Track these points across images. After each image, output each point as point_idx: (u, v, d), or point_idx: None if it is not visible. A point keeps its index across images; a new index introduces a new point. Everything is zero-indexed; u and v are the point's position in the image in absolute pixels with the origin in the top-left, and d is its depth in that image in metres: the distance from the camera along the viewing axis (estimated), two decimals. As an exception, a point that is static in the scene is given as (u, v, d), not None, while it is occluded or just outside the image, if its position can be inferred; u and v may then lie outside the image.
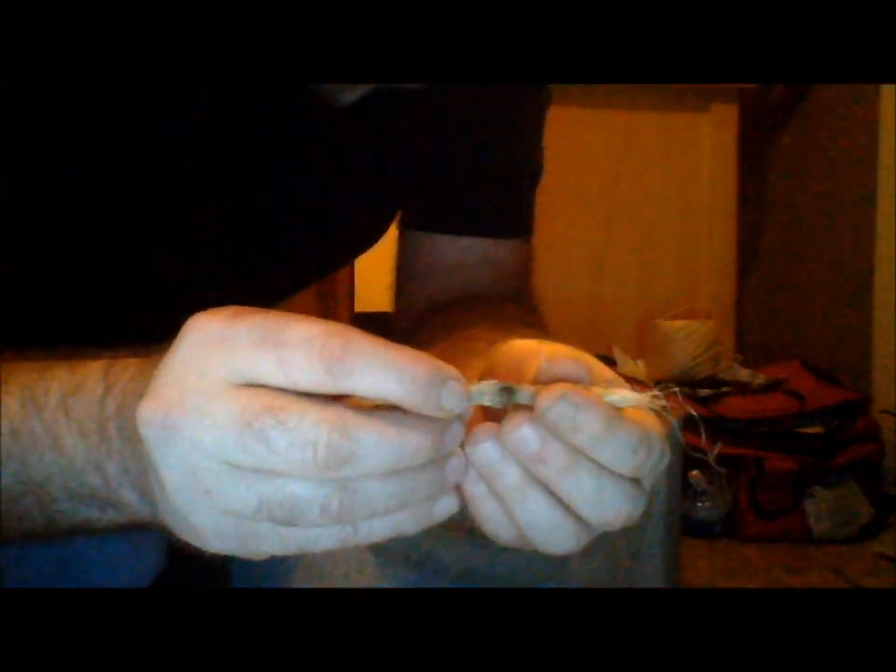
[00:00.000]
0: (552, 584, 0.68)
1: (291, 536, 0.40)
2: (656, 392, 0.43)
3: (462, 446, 0.42)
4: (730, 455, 2.07)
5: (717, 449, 2.02)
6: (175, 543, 0.43)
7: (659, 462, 0.43)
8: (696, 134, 2.52)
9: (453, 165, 0.77)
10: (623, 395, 0.43)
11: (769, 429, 2.11)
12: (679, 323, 2.34)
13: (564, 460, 0.41)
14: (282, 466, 0.38)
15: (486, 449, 0.42)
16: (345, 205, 0.75)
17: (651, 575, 0.78)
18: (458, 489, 0.42)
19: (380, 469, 0.39)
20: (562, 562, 0.69)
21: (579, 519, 0.43)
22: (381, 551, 0.70)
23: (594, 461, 0.42)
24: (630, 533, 0.78)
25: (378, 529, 0.41)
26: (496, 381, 0.43)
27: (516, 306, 0.77)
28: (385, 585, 0.69)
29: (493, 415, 0.44)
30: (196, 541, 0.41)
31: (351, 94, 0.67)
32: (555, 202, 2.37)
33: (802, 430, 2.11)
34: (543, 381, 0.43)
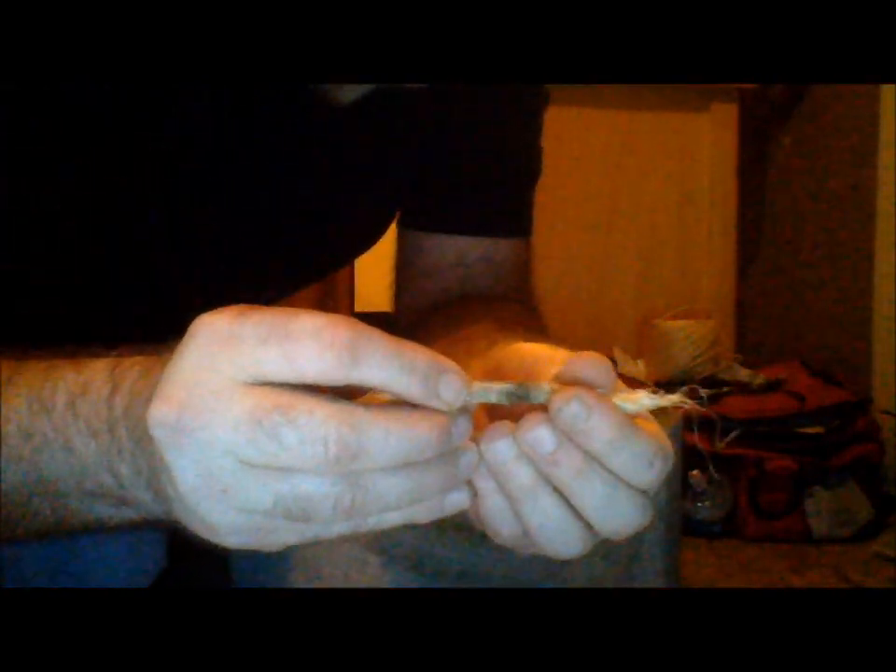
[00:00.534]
0: (552, 584, 0.68)
1: (306, 528, 0.40)
2: (677, 397, 0.43)
3: (476, 442, 0.42)
4: (730, 455, 2.08)
5: (728, 439, 2.02)
6: (175, 543, 0.43)
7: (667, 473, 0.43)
8: (696, 134, 2.52)
9: (452, 165, 0.77)
10: (640, 401, 0.43)
11: (769, 429, 2.11)
12: (679, 323, 2.34)
13: (578, 464, 0.42)
14: (294, 462, 0.38)
15: (501, 447, 0.42)
16: (345, 205, 0.75)
17: (650, 575, 0.78)
18: (469, 483, 0.43)
19: (389, 462, 0.39)
20: (562, 562, 0.69)
21: (587, 524, 0.43)
22: (381, 551, 0.70)
23: (608, 469, 0.42)
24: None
25: (390, 519, 0.41)
26: (511, 382, 0.43)
27: (516, 306, 0.77)
28: (385, 585, 0.69)
29: (498, 416, 0.44)
30: (212, 538, 0.41)
31: (351, 94, 0.67)
32: (555, 202, 2.37)
33: (802, 430, 2.11)
34: (563, 381, 0.43)
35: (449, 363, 0.40)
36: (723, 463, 2.07)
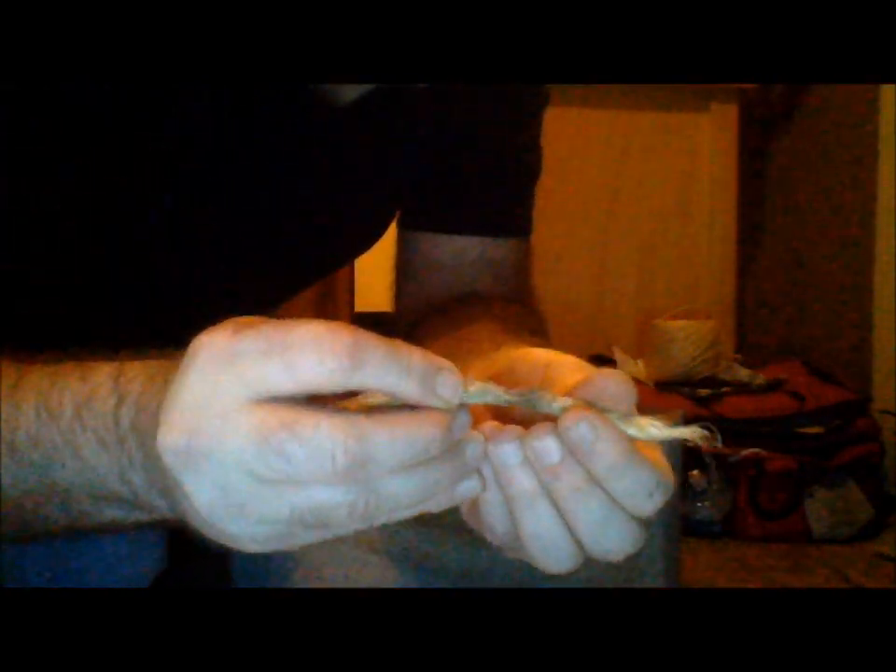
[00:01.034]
0: (552, 584, 0.68)
1: (324, 532, 0.41)
2: (688, 431, 0.43)
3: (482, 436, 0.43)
4: (730, 455, 2.07)
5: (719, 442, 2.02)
6: (175, 543, 0.43)
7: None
8: (696, 134, 2.52)
9: (452, 165, 0.77)
10: (647, 429, 0.43)
11: (769, 429, 2.11)
12: (679, 323, 2.34)
13: (578, 482, 0.42)
14: (304, 475, 0.39)
15: (507, 450, 0.42)
16: (345, 205, 0.75)
17: (650, 575, 0.78)
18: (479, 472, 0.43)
19: (397, 465, 0.40)
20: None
21: (578, 542, 0.44)
22: (381, 551, 0.70)
23: (607, 493, 0.42)
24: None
25: (403, 514, 0.42)
26: (527, 388, 0.43)
27: (516, 306, 0.77)
28: (385, 585, 0.69)
29: (508, 419, 0.44)
30: (233, 546, 0.42)
31: (351, 94, 0.67)
32: (555, 202, 2.37)
33: (802, 430, 2.11)
34: (582, 395, 0.44)
35: (444, 362, 0.41)
36: (723, 463, 2.07)
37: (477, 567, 0.69)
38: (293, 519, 0.39)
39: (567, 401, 0.43)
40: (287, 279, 0.79)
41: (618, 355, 2.34)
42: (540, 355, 0.49)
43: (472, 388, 0.42)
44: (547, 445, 0.42)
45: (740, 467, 2.07)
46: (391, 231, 0.82)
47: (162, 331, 0.46)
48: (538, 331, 0.71)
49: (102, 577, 0.67)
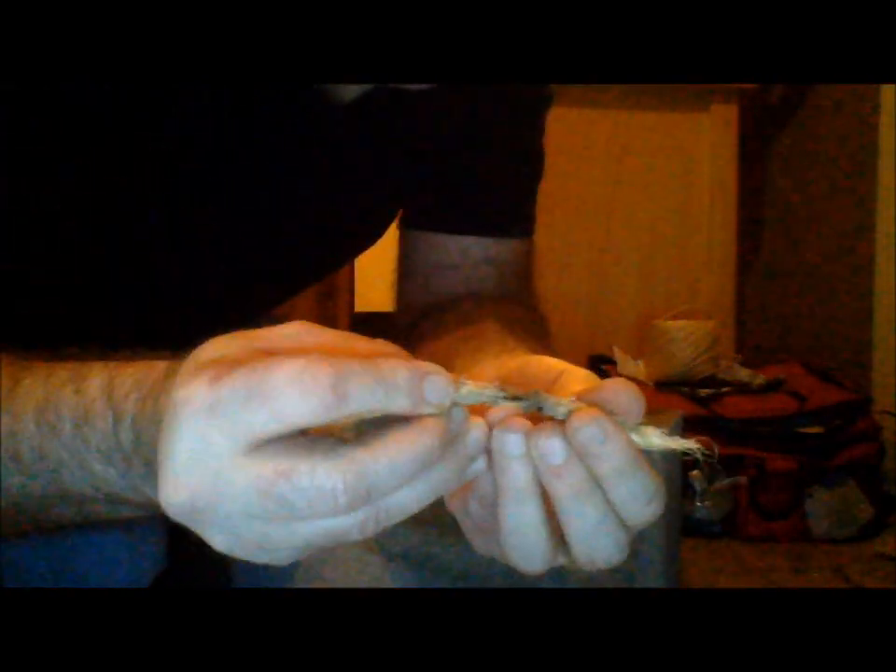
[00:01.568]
0: (552, 584, 0.68)
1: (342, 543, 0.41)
2: (690, 443, 0.43)
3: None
4: (730, 455, 2.07)
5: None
6: (175, 543, 0.43)
7: None
8: (696, 134, 2.52)
9: (453, 164, 0.77)
10: (650, 438, 0.43)
11: (769, 429, 2.11)
12: (679, 323, 2.34)
13: (579, 484, 0.42)
14: (310, 515, 0.39)
15: (511, 440, 0.42)
16: (345, 205, 0.75)
17: (651, 575, 0.78)
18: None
19: (401, 483, 0.39)
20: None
21: (556, 545, 0.44)
22: (381, 551, 0.70)
23: (606, 499, 0.43)
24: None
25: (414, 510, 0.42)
26: (534, 390, 0.43)
27: (518, 306, 0.77)
28: (385, 585, 0.69)
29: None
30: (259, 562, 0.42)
31: (351, 93, 0.67)
32: (555, 202, 2.37)
33: (802, 430, 2.11)
34: (588, 401, 0.44)
35: (430, 367, 0.40)
36: (723, 463, 2.07)
37: (477, 567, 0.69)
38: (309, 545, 0.40)
39: (572, 404, 0.43)
40: (288, 279, 0.79)
41: (618, 355, 2.34)
42: (555, 363, 0.48)
43: (465, 389, 0.42)
44: (553, 444, 0.42)
45: (740, 467, 2.07)
46: (392, 231, 0.82)
47: (162, 331, 0.46)
48: (540, 332, 0.71)
49: (102, 577, 0.67)
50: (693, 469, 2.04)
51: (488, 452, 0.43)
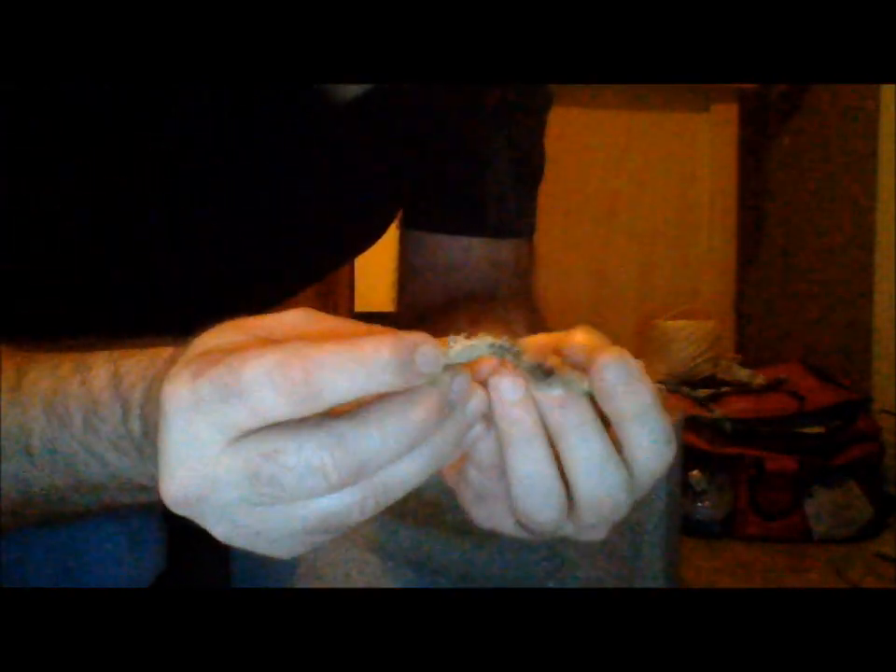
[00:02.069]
0: (552, 584, 0.68)
1: (345, 528, 0.40)
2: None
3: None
4: (730, 455, 2.08)
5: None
6: (175, 543, 0.43)
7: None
8: (696, 134, 2.52)
9: (454, 164, 0.77)
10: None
11: (769, 429, 2.11)
12: (679, 323, 2.34)
13: (583, 416, 0.41)
14: (303, 494, 0.38)
15: (508, 386, 0.41)
16: (345, 205, 0.75)
17: (650, 575, 0.78)
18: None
19: (396, 456, 0.39)
20: (562, 562, 0.69)
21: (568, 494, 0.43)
22: (381, 551, 0.70)
23: (606, 437, 0.42)
24: (630, 533, 0.78)
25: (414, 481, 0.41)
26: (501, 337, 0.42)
27: (518, 306, 0.77)
28: (385, 585, 0.69)
29: None
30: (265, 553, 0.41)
31: (351, 93, 0.67)
32: (555, 202, 2.37)
33: (802, 430, 2.11)
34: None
35: (414, 336, 0.39)
36: (723, 463, 2.08)
37: (477, 567, 0.69)
38: (309, 530, 0.39)
39: (556, 360, 0.42)
40: (288, 279, 0.79)
41: (618, 355, 2.33)
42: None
43: (455, 348, 0.40)
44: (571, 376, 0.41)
45: (740, 467, 2.07)
46: (392, 231, 0.82)
47: (162, 331, 0.46)
48: (539, 331, 0.71)
49: (102, 577, 0.67)
50: (694, 469, 2.04)
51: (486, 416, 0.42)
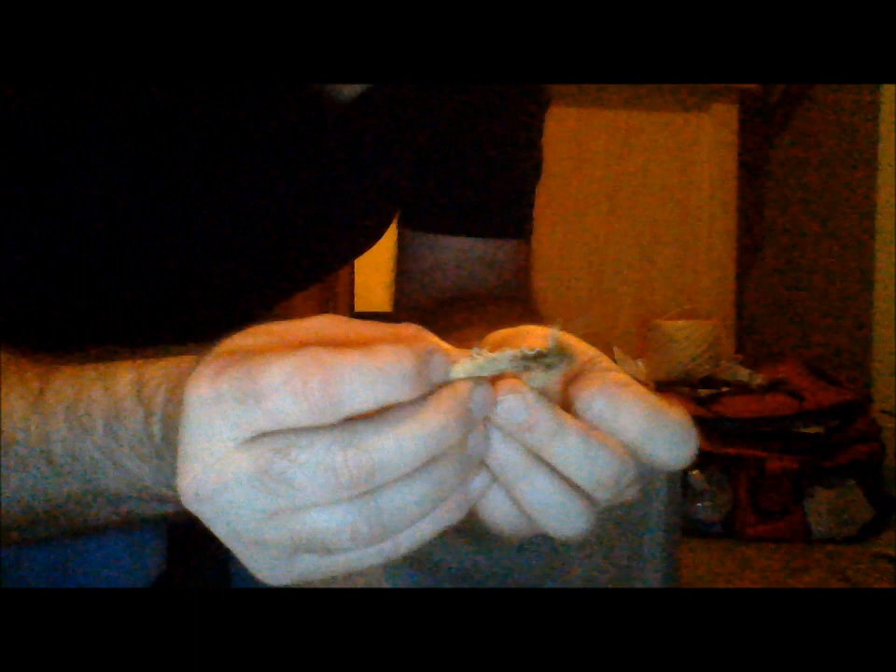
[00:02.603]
0: (552, 584, 0.68)
1: (334, 563, 0.40)
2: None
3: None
4: (730, 454, 2.08)
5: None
6: (175, 544, 0.43)
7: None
8: (696, 134, 2.52)
9: (452, 164, 0.77)
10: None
11: (769, 429, 2.11)
12: (679, 323, 2.34)
13: (550, 423, 0.41)
14: (311, 498, 0.38)
15: (513, 403, 0.41)
16: (345, 205, 0.75)
17: (650, 575, 0.78)
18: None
19: (411, 468, 0.38)
20: (562, 562, 0.69)
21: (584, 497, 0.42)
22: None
23: (578, 429, 0.41)
24: (630, 533, 0.78)
25: (420, 533, 0.40)
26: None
27: (517, 307, 0.77)
28: (385, 585, 0.69)
29: None
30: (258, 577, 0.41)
31: (350, 92, 0.67)
32: (555, 202, 2.37)
33: (802, 430, 2.11)
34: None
35: (426, 345, 0.39)
36: (723, 463, 2.08)
37: (477, 566, 0.69)
38: (297, 547, 0.39)
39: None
40: (288, 279, 0.79)
41: (618, 355, 2.34)
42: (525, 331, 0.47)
43: (477, 361, 0.40)
44: (512, 403, 0.40)
45: (740, 467, 2.07)
46: (391, 231, 0.82)
47: (162, 330, 0.46)
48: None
49: (102, 577, 0.67)
50: (694, 469, 2.04)
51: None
